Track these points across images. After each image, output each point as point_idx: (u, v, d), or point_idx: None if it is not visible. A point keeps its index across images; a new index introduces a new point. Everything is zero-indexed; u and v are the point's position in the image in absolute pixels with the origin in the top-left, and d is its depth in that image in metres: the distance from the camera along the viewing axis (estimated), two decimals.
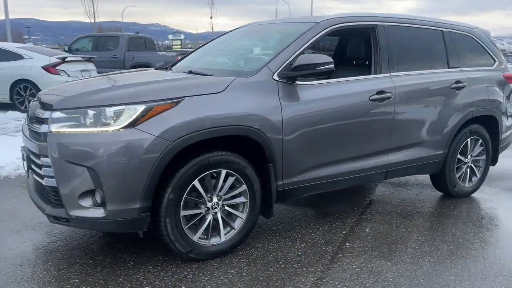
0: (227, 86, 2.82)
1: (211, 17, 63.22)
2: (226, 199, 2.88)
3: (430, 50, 4.03)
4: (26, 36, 25.44)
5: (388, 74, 3.56)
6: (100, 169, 2.46)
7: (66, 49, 14.17)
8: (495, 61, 4.47)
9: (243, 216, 2.94)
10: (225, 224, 2.90)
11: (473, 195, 4.36)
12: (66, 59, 9.45)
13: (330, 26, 3.37)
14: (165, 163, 2.54)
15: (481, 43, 4.39)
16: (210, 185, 2.78)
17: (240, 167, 2.83)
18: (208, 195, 2.79)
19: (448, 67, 4.03)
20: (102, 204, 2.51)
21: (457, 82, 3.96)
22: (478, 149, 4.29)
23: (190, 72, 3.43)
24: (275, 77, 3.00)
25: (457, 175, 4.18)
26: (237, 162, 2.81)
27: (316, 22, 3.37)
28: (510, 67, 4.90)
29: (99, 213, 2.53)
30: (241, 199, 2.92)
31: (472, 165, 4.31)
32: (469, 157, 4.24)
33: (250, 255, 2.95)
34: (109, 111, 2.52)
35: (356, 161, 3.43)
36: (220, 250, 2.88)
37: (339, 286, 2.56)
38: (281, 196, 3.11)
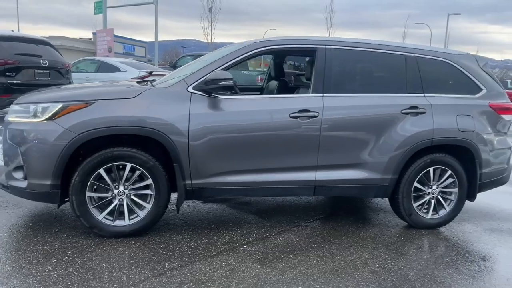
0: (140, 93, 3.36)
1: None
2: (133, 189, 3.39)
3: (383, 74, 4.01)
4: (149, 56, 29.66)
5: (321, 95, 3.70)
6: (25, 149, 3.20)
7: (171, 65, 16.05)
8: (481, 89, 4.18)
9: (149, 206, 3.42)
10: (131, 211, 3.41)
11: (441, 229, 4.11)
12: (153, 73, 10.88)
13: (258, 48, 3.68)
14: (71, 150, 3.17)
15: (462, 70, 4.16)
16: (117, 175, 3.33)
17: (143, 162, 3.32)
18: (115, 184, 3.34)
19: (406, 92, 3.95)
20: (25, 177, 3.25)
21: (413, 107, 3.86)
22: (448, 180, 4.05)
23: (152, 82, 4.03)
24: (190, 89, 3.44)
25: (416, 204, 4.01)
26: (140, 158, 3.31)
27: (245, 44, 3.72)
28: None
29: (23, 184, 3.26)
30: (148, 191, 3.41)
31: (440, 196, 4.08)
32: (434, 187, 4.04)
33: (146, 240, 3.40)
34: (40, 106, 3.26)
35: (277, 172, 3.64)
36: (123, 231, 3.38)
37: (197, 275, 2.86)
38: (190, 195, 3.51)
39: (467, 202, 4.14)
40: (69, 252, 3.10)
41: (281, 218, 4.15)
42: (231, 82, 3.36)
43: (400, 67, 3.99)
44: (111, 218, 3.38)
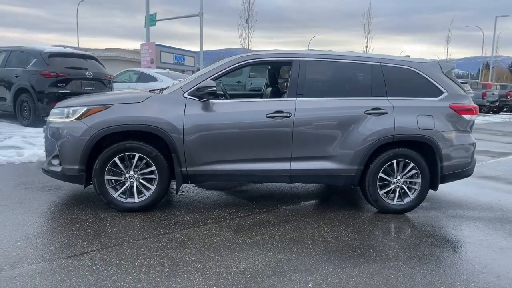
0: (146, 99, 4.30)
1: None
2: (141, 174, 4.33)
3: (350, 81, 4.72)
4: (198, 65, 31.29)
5: (294, 99, 4.48)
6: (60, 142, 4.23)
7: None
8: (442, 92, 4.78)
9: (153, 188, 4.34)
10: (139, 191, 4.34)
11: (407, 214, 4.73)
12: None
13: (244, 61, 4.54)
14: (93, 143, 4.15)
15: (425, 75, 4.78)
16: (129, 163, 4.28)
17: (148, 153, 4.25)
18: (127, 169, 4.29)
19: (371, 96, 4.64)
20: (60, 164, 4.27)
21: (376, 108, 4.55)
22: (411, 172, 4.68)
23: (161, 89, 4.99)
24: (185, 95, 4.35)
25: (382, 192, 4.67)
26: (146, 149, 4.25)
27: (232, 58, 4.59)
28: None
29: (59, 169, 4.29)
30: (153, 176, 4.33)
31: (404, 186, 4.71)
32: (398, 177, 4.68)
33: (150, 214, 4.31)
34: (71, 109, 4.28)
35: (257, 162, 4.45)
36: (133, 207, 4.32)
37: (182, 237, 3.73)
38: (186, 179, 4.41)
39: (445, 194, 4.73)
40: (90, 220, 4.08)
41: (267, 202, 4.95)
42: (214, 89, 4.23)
43: (367, 74, 4.69)
44: (124, 197, 4.32)
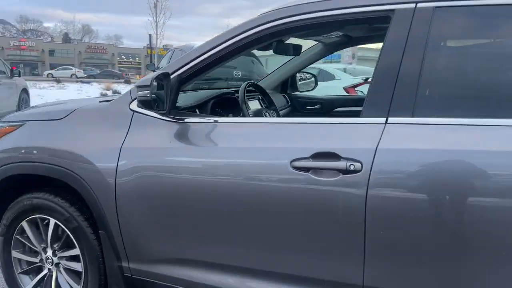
0: (70, 113, 2.16)
1: None
2: (64, 258, 2.22)
3: None
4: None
5: (382, 119, 1.57)
6: None
7: None
8: None
9: None
10: None
11: None
12: (368, 80, 9.21)
13: (266, 24, 1.85)
14: None
15: None
16: (46, 233, 2.23)
17: (65, 220, 2.11)
18: (43, 245, 2.26)
19: None
20: None
21: None
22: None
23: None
24: (133, 104, 2.00)
25: None
26: (62, 212, 2.11)
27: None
28: None
29: None
30: (78, 266, 2.17)
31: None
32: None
33: None
34: None
35: (273, 282, 1.74)
36: None
37: None
38: (130, 286, 2.06)
39: None
40: None
41: None
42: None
43: None
44: None
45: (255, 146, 1.74)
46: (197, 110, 2.24)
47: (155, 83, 1.78)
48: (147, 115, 1.95)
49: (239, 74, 8.02)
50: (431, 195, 1.46)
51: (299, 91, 3.63)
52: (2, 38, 69.81)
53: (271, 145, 1.72)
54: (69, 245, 2.18)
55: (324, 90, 9.26)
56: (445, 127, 1.50)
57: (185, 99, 2.24)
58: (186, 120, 1.92)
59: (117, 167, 1.93)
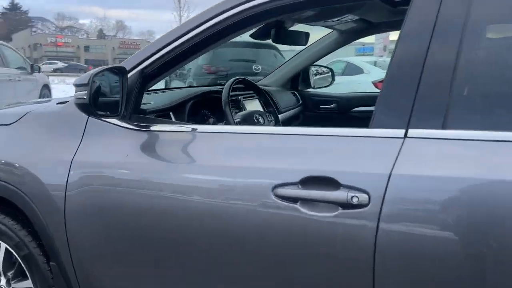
0: (21, 117, 1.78)
1: None
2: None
3: None
4: None
5: (401, 131, 1.11)
6: None
7: None
8: None
9: None
10: None
11: None
12: None
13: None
14: None
15: None
16: None
17: (15, 246, 1.76)
18: None
19: None
20: None
21: None
22: None
23: None
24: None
25: None
26: (12, 237, 1.76)
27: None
28: None
29: None
30: None
31: None
32: None
33: None
34: None
35: None
36: None
37: None
38: None
39: None
40: None
41: None
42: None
43: None
44: None
45: (229, 164, 1.32)
46: (171, 113, 1.83)
47: (95, 82, 1.38)
48: (104, 121, 1.56)
49: (259, 69, 7.54)
50: (469, 246, 1.00)
51: (313, 87, 3.12)
52: (40, 35, 71.72)
53: (250, 164, 1.29)
54: (24, 275, 1.83)
55: (351, 85, 8.71)
56: (491, 144, 1.03)
57: (157, 99, 1.84)
58: (152, 128, 1.52)
59: (66, 186, 1.55)
